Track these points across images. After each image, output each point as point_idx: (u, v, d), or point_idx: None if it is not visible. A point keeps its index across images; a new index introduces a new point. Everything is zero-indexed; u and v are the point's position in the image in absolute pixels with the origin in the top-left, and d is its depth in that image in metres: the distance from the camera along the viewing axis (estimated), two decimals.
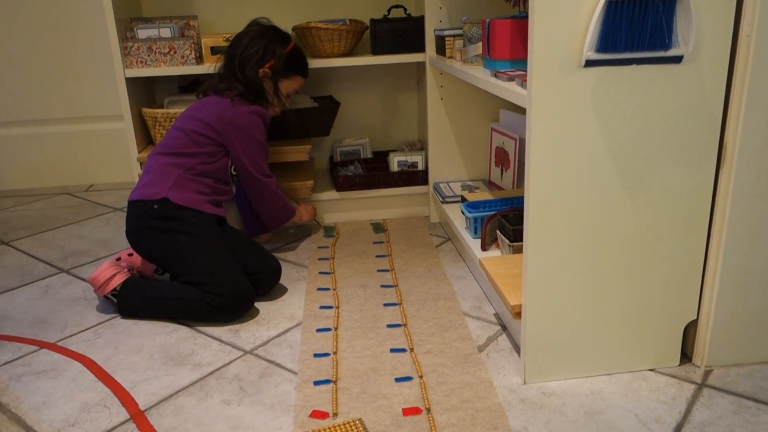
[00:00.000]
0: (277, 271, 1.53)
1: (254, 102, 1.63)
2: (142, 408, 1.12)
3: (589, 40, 0.95)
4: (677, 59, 0.98)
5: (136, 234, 1.49)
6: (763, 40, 0.98)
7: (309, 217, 1.88)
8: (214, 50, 1.87)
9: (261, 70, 1.64)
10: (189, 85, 2.08)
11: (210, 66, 1.86)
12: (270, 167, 2.01)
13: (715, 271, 1.11)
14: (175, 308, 1.42)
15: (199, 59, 1.89)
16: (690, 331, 1.18)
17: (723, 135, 1.05)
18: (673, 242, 1.09)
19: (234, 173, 1.66)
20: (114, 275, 1.45)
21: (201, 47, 1.88)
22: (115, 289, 1.44)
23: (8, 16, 2.38)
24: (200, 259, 1.43)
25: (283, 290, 1.56)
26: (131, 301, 1.44)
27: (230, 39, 1.86)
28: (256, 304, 1.49)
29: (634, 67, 0.98)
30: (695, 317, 1.15)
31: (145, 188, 1.50)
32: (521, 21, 1.28)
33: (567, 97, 0.99)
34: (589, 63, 0.97)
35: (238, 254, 1.50)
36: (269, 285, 1.53)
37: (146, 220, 1.47)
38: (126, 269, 1.49)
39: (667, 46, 0.97)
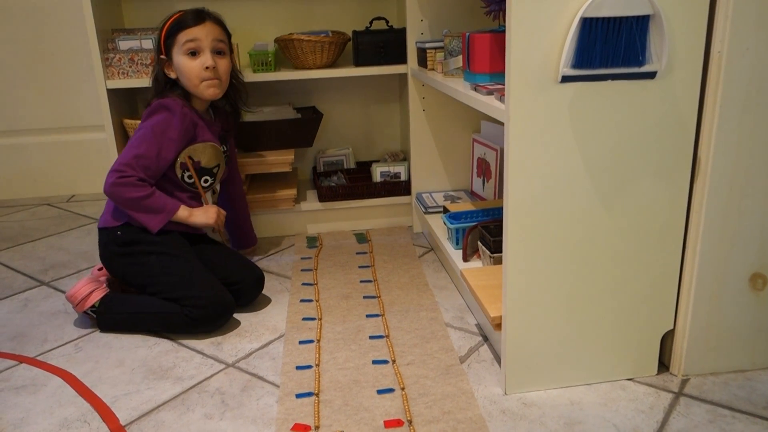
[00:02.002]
0: (260, 281, 1.54)
1: (183, 96, 1.53)
2: (122, 423, 1.11)
3: (565, 57, 0.97)
4: (651, 75, 1.00)
5: (107, 261, 1.50)
6: (734, 56, 1.00)
7: (205, 219, 1.53)
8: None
9: (159, 62, 1.55)
10: None
11: None
12: (252, 178, 2.03)
13: (690, 281, 1.13)
14: (155, 323, 1.41)
15: None
16: (667, 341, 1.19)
17: (697, 148, 1.07)
18: (650, 254, 1.11)
19: (189, 181, 1.54)
20: (92, 292, 1.44)
21: None
22: (93, 306, 1.43)
23: None
24: (173, 275, 1.42)
25: (266, 302, 1.56)
26: (111, 317, 1.43)
27: None
28: (239, 316, 1.49)
29: (609, 82, 1.00)
30: (672, 327, 1.17)
31: (107, 215, 1.50)
32: (501, 35, 1.30)
33: (544, 112, 1.00)
34: (566, 79, 0.98)
35: (220, 265, 1.50)
36: (253, 295, 1.53)
37: (112, 247, 1.48)
38: (105, 284, 1.48)
39: (640, 63, 0.99)
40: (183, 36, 1.49)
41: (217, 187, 1.66)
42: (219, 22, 1.55)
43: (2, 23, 2.36)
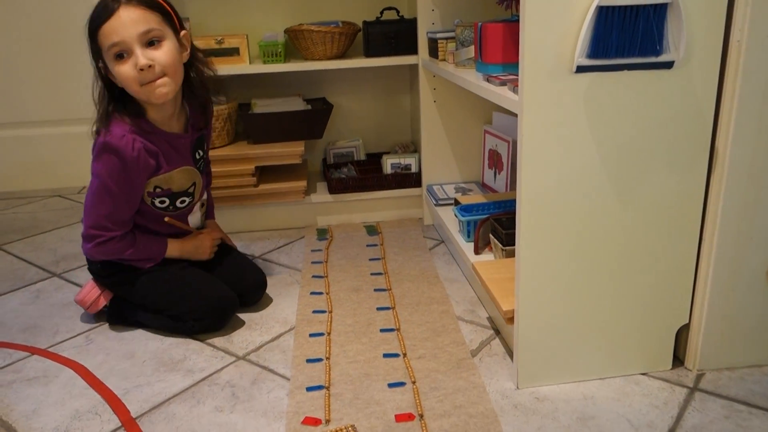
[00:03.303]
0: (262, 285, 1.50)
1: (127, 113, 1.29)
2: (133, 415, 1.11)
3: (580, 46, 0.95)
4: (668, 65, 0.98)
5: (98, 282, 1.44)
6: (754, 45, 0.98)
7: (199, 256, 1.45)
8: (206, 52, 1.85)
9: (99, 71, 1.29)
10: None
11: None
12: (262, 170, 2.02)
13: (706, 274, 1.11)
14: (164, 331, 1.40)
15: None
16: (682, 335, 1.18)
17: (714, 140, 1.05)
18: (665, 246, 1.09)
19: (162, 206, 1.37)
20: (100, 294, 1.43)
21: None
22: (105, 306, 1.44)
23: (2, 17, 2.37)
24: (168, 292, 1.37)
25: (276, 294, 1.56)
26: (121, 319, 1.43)
27: (222, 41, 1.86)
28: (249, 310, 1.48)
29: (625, 72, 0.98)
30: (687, 321, 1.15)
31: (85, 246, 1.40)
32: (513, 24, 1.28)
33: (558, 103, 0.99)
34: (581, 69, 0.96)
35: (219, 274, 1.45)
36: (255, 298, 1.50)
37: (99, 278, 1.43)
38: None
39: (658, 52, 0.97)
40: (102, 38, 1.21)
41: (204, 197, 1.53)
42: (140, 3, 1.21)
43: (13, 14, 2.36)
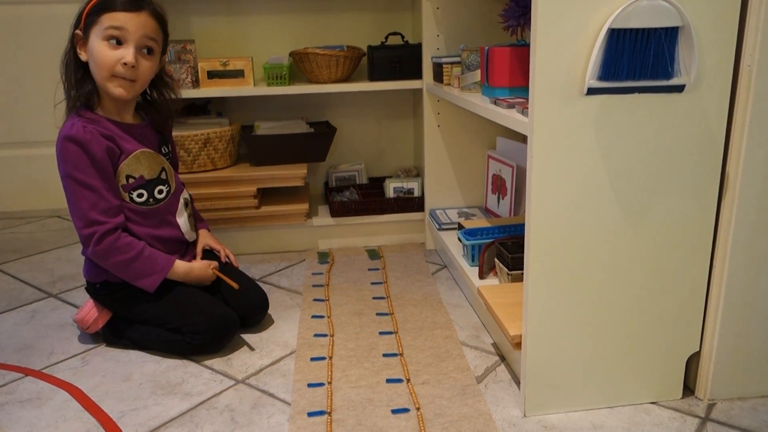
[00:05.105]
0: (265, 305, 1.48)
1: (84, 104, 1.34)
2: None
3: (591, 69, 0.94)
4: (679, 88, 0.98)
5: (96, 300, 1.42)
6: (764, 70, 0.98)
7: (203, 278, 1.42)
8: (211, 74, 1.86)
9: (73, 37, 1.32)
10: (185, 109, 2.07)
11: (208, 90, 1.86)
12: (264, 192, 2.01)
13: (717, 302, 1.09)
14: (160, 349, 1.38)
15: (196, 83, 1.89)
16: (692, 364, 1.15)
17: (725, 164, 1.04)
18: (675, 272, 1.08)
19: (140, 200, 1.36)
20: (98, 315, 1.40)
21: (198, 71, 1.87)
22: (104, 327, 1.41)
23: (4, 38, 2.37)
24: (166, 307, 1.35)
25: (277, 318, 1.53)
26: (116, 340, 1.41)
27: (227, 63, 1.86)
28: (249, 332, 1.46)
29: (635, 95, 0.98)
30: (698, 349, 1.13)
31: (85, 265, 1.41)
32: (520, 49, 1.28)
33: (568, 125, 0.98)
34: (591, 91, 0.96)
35: (221, 293, 1.44)
36: (257, 318, 1.48)
37: (98, 297, 1.41)
38: None
39: (669, 76, 0.96)
40: (107, 19, 1.26)
41: (185, 196, 1.50)
42: (158, 17, 1.32)
43: (13, 34, 2.37)
